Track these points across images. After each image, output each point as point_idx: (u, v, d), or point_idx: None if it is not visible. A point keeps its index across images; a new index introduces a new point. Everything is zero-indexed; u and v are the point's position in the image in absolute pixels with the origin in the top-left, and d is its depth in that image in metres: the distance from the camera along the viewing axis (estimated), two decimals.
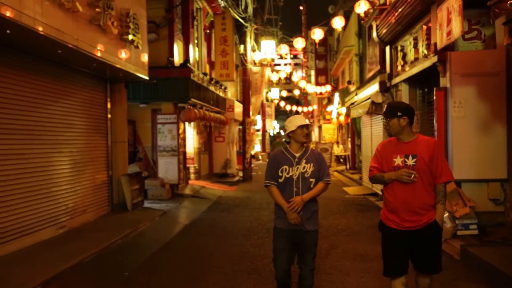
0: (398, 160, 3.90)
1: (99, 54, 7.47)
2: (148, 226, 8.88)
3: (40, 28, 5.77)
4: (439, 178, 3.89)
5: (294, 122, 4.23)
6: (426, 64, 8.76)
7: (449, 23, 6.32)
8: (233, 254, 6.82)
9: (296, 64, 43.79)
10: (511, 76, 7.49)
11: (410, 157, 3.86)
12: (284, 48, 19.75)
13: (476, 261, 5.87)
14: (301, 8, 43.92)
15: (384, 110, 3.99)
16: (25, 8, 5.43)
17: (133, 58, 9.05)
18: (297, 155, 4.24)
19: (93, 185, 9.10)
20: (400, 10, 9.70)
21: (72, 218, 8.11)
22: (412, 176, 3.78)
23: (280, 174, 4.22)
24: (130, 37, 8.51)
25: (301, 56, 42.55)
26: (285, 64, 35.02)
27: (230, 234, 8.33)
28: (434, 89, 8.28)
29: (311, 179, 4.20)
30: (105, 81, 9.67)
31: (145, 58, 9.74)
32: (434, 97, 8.27)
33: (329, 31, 26.93)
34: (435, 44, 7.79)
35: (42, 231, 7.17)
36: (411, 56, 9.99)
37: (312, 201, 4.24)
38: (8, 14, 5.09)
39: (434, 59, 8.17)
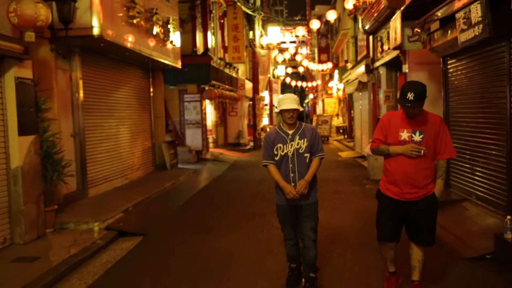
0: (404, 135, 3.83)
1: (151, 53, 10.36)
2: (186, 179, 11.94)
3: (120, 41, 8.65)
4: (442, 154, 3.88)
5: (279, 105, 4.27)
6: (395, 53, 11.51)
7: (395, 32, 9.12)
8: (251, 192, 9.93)
9: (301, 41, 46.14)
10: (446, 63, 10.28)
11: (418, 133, 3.81)
12: (288, 35, 22.41)
13: None
14: None
15: (412, 98, 3.66)
16: (112, 30, 8.29)
17: (170, 53, 11.93)
18: (290, 132, 4.25)
19: (143, 149, 12.12)
20: (375, 10, 12.44)
21: (132, 173, 11.16)
22: (422, 151, 3.74)
23: (275, 152, 4.26)
24: (170, 38, 11.38)
25: (305, 34, 44.82)
26: (290, 42, 37.45)
27: (247, 182, 11.42)
28: (398, 73, 11.10)
29: (305, 154, 4.22)
30: (148, 70, 12.57)
31: (178, 51, 12.60)
32: (398, 80, 11.10)
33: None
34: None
35: (115, 180, 10.21)
36: (386, 46, 12.74)
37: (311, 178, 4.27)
38: (109, 35, 7.97)
39: (398, 51, 10.95)
